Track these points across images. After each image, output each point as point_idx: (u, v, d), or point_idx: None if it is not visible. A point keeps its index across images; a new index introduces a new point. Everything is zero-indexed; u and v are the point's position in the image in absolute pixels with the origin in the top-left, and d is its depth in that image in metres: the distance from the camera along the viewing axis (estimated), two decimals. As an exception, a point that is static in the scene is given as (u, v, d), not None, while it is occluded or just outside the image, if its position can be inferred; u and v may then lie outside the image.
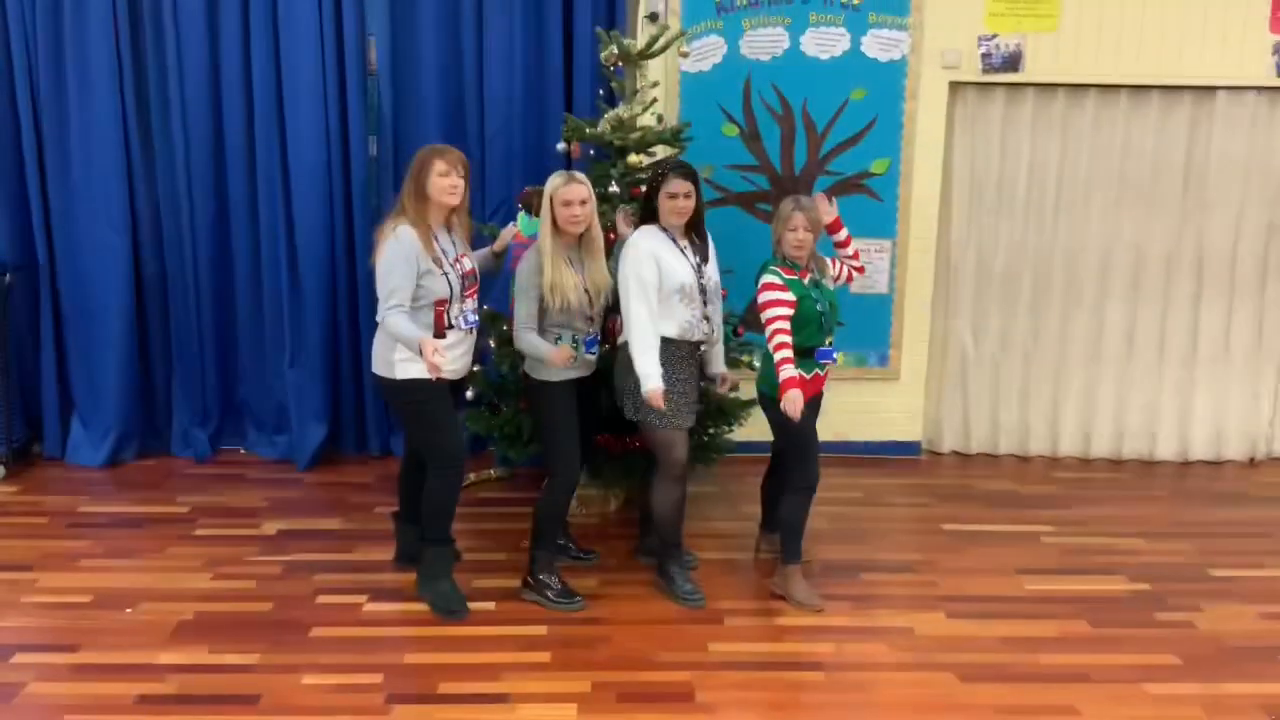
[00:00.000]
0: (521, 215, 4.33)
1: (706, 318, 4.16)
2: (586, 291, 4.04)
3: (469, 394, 4.66)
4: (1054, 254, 5.82)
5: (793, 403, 3.88)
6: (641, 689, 3.60)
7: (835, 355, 4.22)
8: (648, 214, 4.16)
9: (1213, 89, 5.62)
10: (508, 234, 4.33)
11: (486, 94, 5.41)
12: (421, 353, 3.63)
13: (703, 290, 4.13)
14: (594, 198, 4.05)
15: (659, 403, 3.92)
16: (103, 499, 5.21)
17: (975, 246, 5.84)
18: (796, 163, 5.59)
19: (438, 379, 3.71)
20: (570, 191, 3.94)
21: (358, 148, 5.43)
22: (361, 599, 4.19)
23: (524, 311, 3.99)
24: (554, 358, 3.90)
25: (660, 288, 4.01)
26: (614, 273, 4.17)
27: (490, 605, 4.14)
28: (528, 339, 3.99)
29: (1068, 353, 5.95)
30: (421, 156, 3.88)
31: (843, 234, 4.34)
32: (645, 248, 4.03)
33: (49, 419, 5.67)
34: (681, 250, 4.12)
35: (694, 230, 4.20)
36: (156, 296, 5.63)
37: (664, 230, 4.12)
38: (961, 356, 5.97)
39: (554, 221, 3.96)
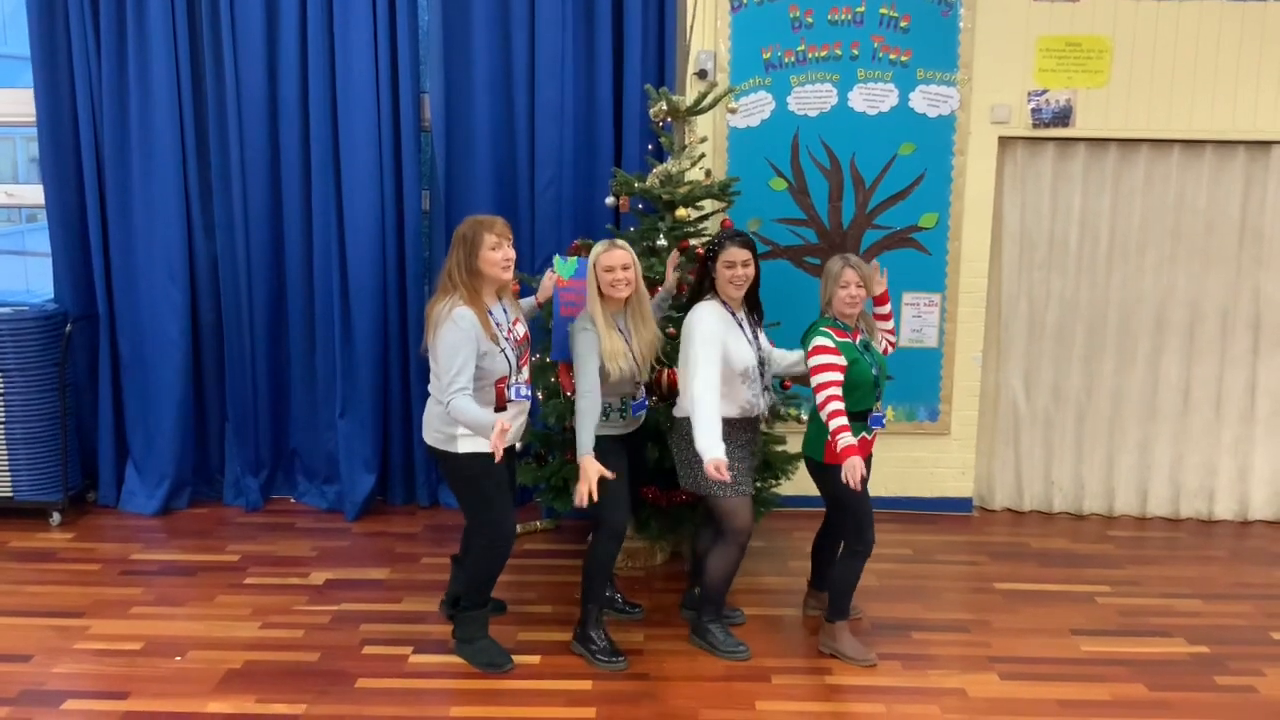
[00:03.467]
0: (557, 259, 4.32)
1: (766, 389, 4.14)
2: (634, 359, 4.04)
3: (517, 445, 4.68)
4: (1107, 308, 5.76)
5: (854, 471, 3.75)
6: (687, 747, 3.56)
7: (884, 420, 4.18)
8: (704, 287, 4.12)
9: (1267, 143, 5.56)
10: (548, 282, 4.32)
11: (537, 149, 5.49)
12: (493, 446, 3.57)
13: (761, 365, 4.12)
14: (637, 264, 4.04)
15: (724, 474, 3.77)
16: (155, 547, 5.27)
17: (1026, 300, 5.79)
18: (845, 217, 5.60)
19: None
20: (611, 258, 3.94)
21: (411, 202, 5.52)
22: (407, 650, 4.19)
23: (586, 376, 3.92)
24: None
25: (723, 373, 3.96)
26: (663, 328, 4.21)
27: (535, 659, 4.13)
28: (581, 405, 3.92)
29: (1122, 409, 5.86)
30: (467, 232, 3.81)
31: (886, 308, 4.29)
32: (713, 328, 3.97)
33: (104, 467, 5.77)
34: (740, 326, 4.09)
35: (750, 301, 4.17)
36: (212, 347, 5.74)
37: (724, 304, 4.08)
38: (1013, 411, 5.90)
39: (598, 288, 3.98)
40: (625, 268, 3.96)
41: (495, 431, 3.55)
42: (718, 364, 3.93)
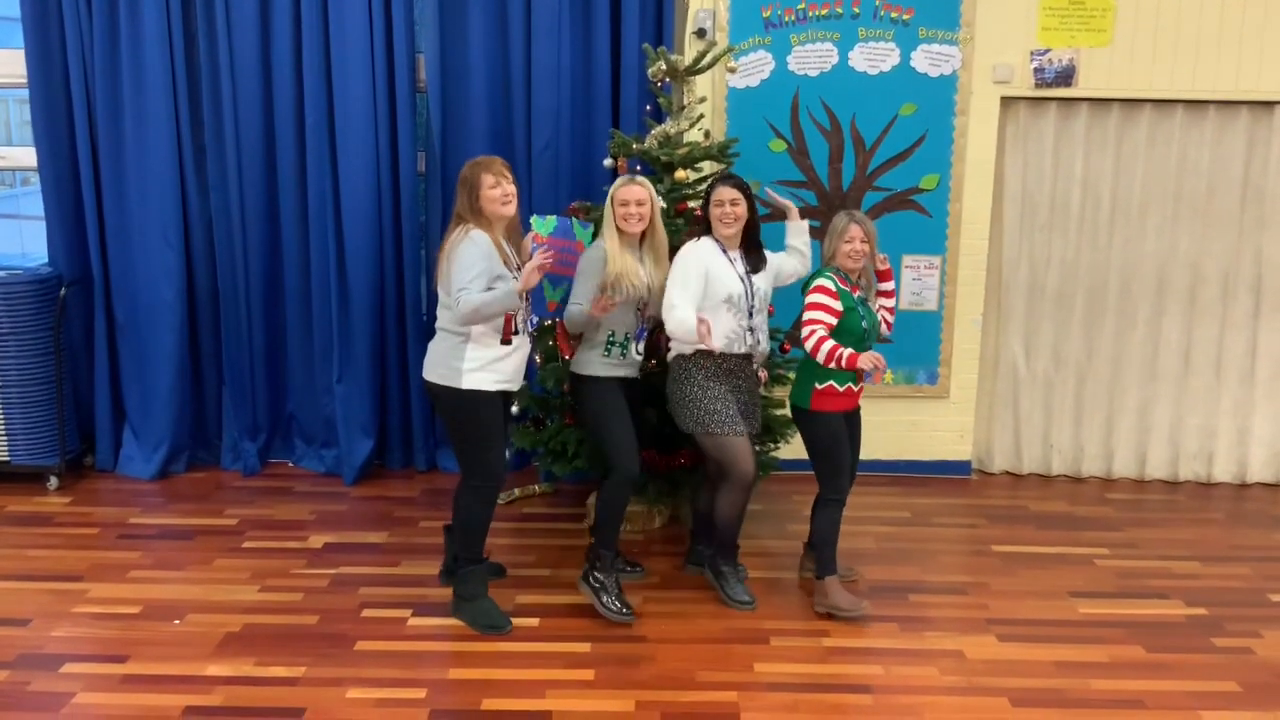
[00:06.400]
0: (535, 219, 4.28)
1: (751, 329, 4.15)
2: (646, 284, 4.12)
3: (514, 409, 4.67)
4: (1108, 271, 5.73)
5: (870, 359, 3.81)
6: (686, 708, 3.57)
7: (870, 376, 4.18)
8: (707, 227, 4.21)
9: (1271, 104, 5.51)
10: (528, 243, 4.25)
11: (534, 110, 5.43)
12: (523, 285, 3.78)
13: (751, 301, 4.15)
14: (655, 200, 4.13)
15: (706, 335, 3.83)
16: (153, 511, 5.26)
17: (1027, 263, 5.76)
18: (844, 178, 5.55)
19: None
20: (627, 192, 4.06)
21: (406, 163, 5.47)
22: (406, 613, 4.19)
23: (580, 291, 4.04)
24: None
25: (706, 296, 4.04)
26: None
27: (534, 621, 4.13)
28: (569, 309, 4.10)
29: (1122, 371, 5.84)
30: (467, 174, 3.92)
31: (889, 285, 4.34)
32: (695, 258, 4.08)
33: (101, 431, 5.76)
34: (731, 261, 4.14)
35: (748, 242, 4.22)
36: (208, 310, 5.70)
37: (716, 241, 4.16)
38: (1013, 375, 5.88)
39: (615, 221, 4.08)
40: (640, 203, 4.06)
41: (530, 269, 3.75)
42: (694, 289, 4.01)
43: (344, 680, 3.70)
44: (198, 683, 3.67)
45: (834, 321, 3.99)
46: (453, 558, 4.29)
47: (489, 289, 3.81)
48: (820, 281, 4.05)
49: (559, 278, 4.22)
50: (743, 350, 4.16)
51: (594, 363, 4.14)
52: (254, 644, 3.94)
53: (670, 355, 4.24)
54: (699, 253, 4.10)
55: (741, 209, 4.11)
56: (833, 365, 3.91)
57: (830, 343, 3.91)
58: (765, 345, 4.28)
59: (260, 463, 5.82)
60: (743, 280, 4.14)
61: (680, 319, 3.92)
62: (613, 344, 4.14)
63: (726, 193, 4.10)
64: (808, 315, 4.02)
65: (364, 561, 4.68)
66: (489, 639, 4.00)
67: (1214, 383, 5.84)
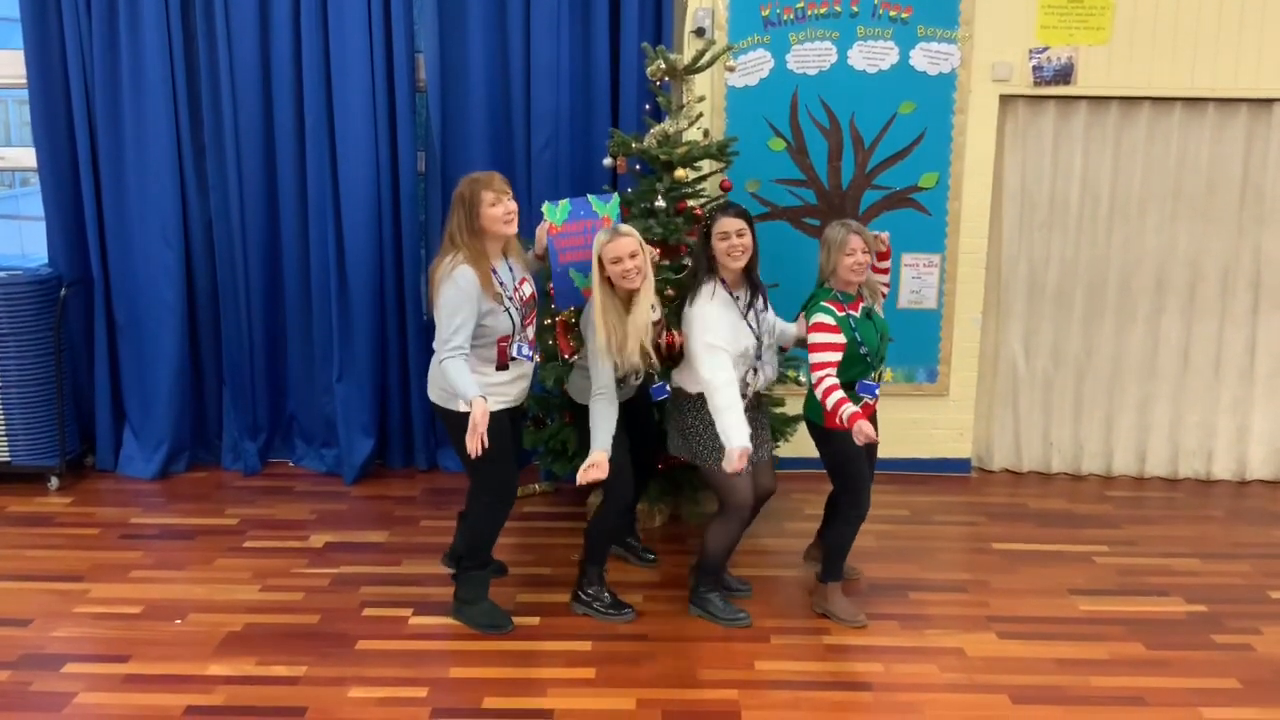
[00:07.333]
0: (547, 206, 4.12)
1: (757, 370, 4.02)
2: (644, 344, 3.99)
3: (524, 406, 4.64)
4: (1108, 268, 5.73)
5: (862, 432, 3.71)
6: (687, 706, 3.57)
7: (877, 391, 4.10)
8: (703, 266, 3.99)
9: (1269, 101, 5.51)
10: (542, 233, 4.14)
11: (533, 109, 5.43)
12: (471, 412, 3.58)
13: (760, 346, 4.00)
14: (645, 248, 3.89)
15: (740, 464, 3.70)
16: (154, 511, 5.27)
17: (1026, 261, 5.76)
18: (844, 177, 5.55)
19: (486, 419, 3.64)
20: (617, 247, 3.79)
21: (406, 163, 5.47)
22: (407, 612, 4.20)
23: (604, 377, 3.89)
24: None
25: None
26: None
27: (535, 620, 4.14)
28: (596, 407, 3.92)
29: (1122, 369, 5.84)
30: (465, 191, 3.77)
31: (885, 264, 4.26)
32: (715, 314, 3.88)
33: (102, 431, 5.76)
34: (737, 301, 3.96)
35: (750, 279, 4.03)
36: (208, 310, 5.71)
37: (723, 284, 3.95)
38: (1012, 372, 5.89)
39: (608, 280, 3.85)
40: (633, 255, 3.80)
41: (471, 421, 3.55)
42: (725, 351, 3.83)
43: (345, 679, 3.71)
44: (199, 682, 3.68)
45: (839, 358, 3.85)
46: (456, 558, 4.30)
47: (480, 326, 3.74)
48: (819, 319, 3.89)
49: (587, 263, 4.01)
50: (747, 394, 4.00)
51: (588, 394, 4.01)
52: (255, 643, 3.95)
53: (675, 375, 4.12)
54: (716, 313, 3.88)
55: (748, 238, 3.90)
56: (833, 413, 3.79)
57: (836, 395, 3.76)
58: (773, 374, 4.16)
59: (261, 462, 5.82)
60: (752, 328, 3.96)
61: (729, 421, 3.75)
62: None
63: (732, 223, 3.88)
64: (814, 358, 3.85)
65: (365, 561, 4.69)
66: (490, 638, 4.01)
67: (1213, 380, 5.84)
